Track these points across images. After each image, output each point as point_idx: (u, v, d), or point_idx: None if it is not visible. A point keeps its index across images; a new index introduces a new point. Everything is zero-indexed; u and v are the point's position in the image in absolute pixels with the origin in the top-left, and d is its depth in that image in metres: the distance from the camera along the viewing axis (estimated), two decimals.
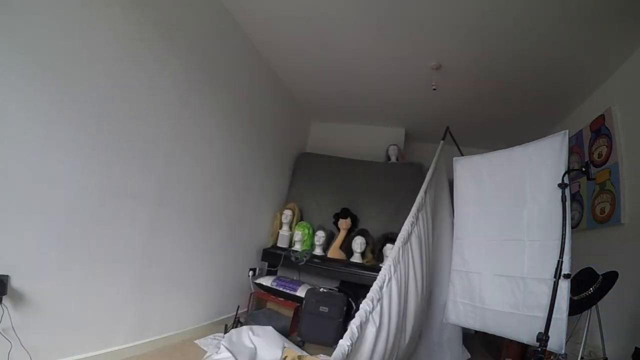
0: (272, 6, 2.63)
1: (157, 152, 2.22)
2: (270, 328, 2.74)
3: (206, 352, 2.40)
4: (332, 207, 4.08)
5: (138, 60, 2.01)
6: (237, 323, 2.90)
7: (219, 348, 2.38)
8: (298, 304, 3.29)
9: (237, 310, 3.03)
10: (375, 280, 1.75)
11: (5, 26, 1.37)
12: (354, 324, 1.43)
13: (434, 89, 3.12)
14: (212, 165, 2.80)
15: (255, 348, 2.44)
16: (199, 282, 2.80)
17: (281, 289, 3.43)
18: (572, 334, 2.02)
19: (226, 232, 3.11)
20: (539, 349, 1.64)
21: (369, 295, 1.62)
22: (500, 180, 2.34)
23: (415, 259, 2.10)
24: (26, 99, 1.47)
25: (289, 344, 2.65)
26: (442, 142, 2.97)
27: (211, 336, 2.68)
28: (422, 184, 2.50)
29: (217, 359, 2.23)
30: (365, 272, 3.48)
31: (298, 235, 3.78)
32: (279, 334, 2.70)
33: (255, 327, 2.66)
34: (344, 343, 1.32)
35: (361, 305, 1.56)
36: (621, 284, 1.93)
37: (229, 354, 2.26)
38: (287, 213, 3.96)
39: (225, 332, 2.71)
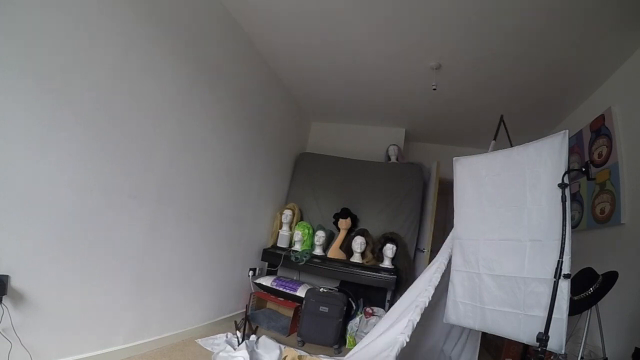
0: (272, 6, 2.63)
1: (158, 152, 2.22)
2: (263, 337, 2.80)
3: (207, 350, 2.42)
4: (332, 207, 4.08)
5: (139, 60, 2.01)
6: (246, 321, 2.91)
7: (231, 345, 2.46)
8: (298, 304, 3.29)
9: (247, 309, 3.08)
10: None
11: (5, 24, 1.38)
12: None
13: (434, 89, 3.12)
14: (212, 165, 2.80)
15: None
16: (199, 282, 2.80)
17: (281, 289, 3.43)
18: (572, 334, 2.02)
19: (226, 232, 3.11)
20: (539, 349, 1.64)
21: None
22: (500, 180, 2.34)
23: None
24: (26, 98, 1.47)
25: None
26: (493, 142, 2.73)
27: (212, 336, 2.69)
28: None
29: (235, 355, 2.29)
30: (365, 272, 3.48)
31: (298, 235, 3.78)
32: (271, 340, 2.75)
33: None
34: (403, 339, 1.41)
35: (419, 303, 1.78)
36: (621, 284, 1.93)
37: (246, 353, 2.32)
38: (287, 213, 3.96)
39: (236, 328, 2.78)
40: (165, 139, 2.27)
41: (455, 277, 2.48)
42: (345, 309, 3.11)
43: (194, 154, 2.57)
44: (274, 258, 3.72)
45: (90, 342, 1.88)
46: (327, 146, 4.73)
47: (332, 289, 3.34)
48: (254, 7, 2.68)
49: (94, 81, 1.75)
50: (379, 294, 3.69)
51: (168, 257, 2.42)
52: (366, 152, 4.52)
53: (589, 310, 1.93)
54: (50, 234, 1.62)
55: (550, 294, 1.73)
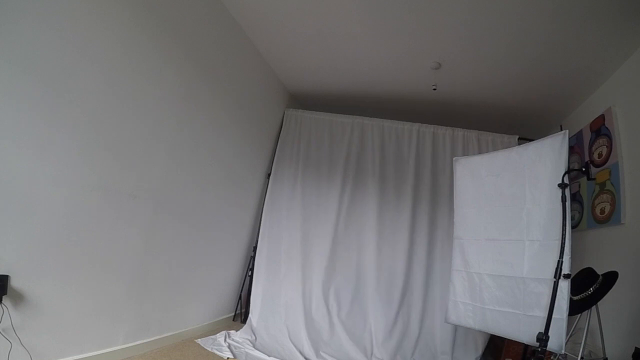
0: (271, 4, 2.63)
1: (157, 152, 2.22)
2: None
3: (207, 350, 2.43)
4: None
5: (139, 61, 2.00)
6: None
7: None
8: None
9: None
10: None
11: (5, 25, 1.38)
12: None
13: (434, 89, 3.12)
14: (213, 166, 2.79)
15: None
16: (198, 282, 2.80)
17: None
18: (572, 334, 2.03)
19: (226, 232, 3.11)
20: (539, 349, 1.64)
21: None
22: (500, 181, 2.34)
23: None
24: (25, 98, 1.47)
25: None
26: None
27: (212, 336, 2.69)
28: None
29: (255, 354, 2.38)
30: None
31: None
32: None
33: None
34: None
35: None
36: (621, 284, 1.93)
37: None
38: None
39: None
40: (165, 139, 2.27)
41: (455, 277, 2.48)
42: None
43: (194, 154, 2.56)
44: None
45: (90, 342, 1.88)
46: None
47: None
48: (255, 7, 2.68)
49: (93, 81, 1.75)
50: None
51: (168, 256, 2.42)
52: None
53: (589, 310, 1.93)
54: (50, 234, 1.62)
55: (550, 294, 1.74)
